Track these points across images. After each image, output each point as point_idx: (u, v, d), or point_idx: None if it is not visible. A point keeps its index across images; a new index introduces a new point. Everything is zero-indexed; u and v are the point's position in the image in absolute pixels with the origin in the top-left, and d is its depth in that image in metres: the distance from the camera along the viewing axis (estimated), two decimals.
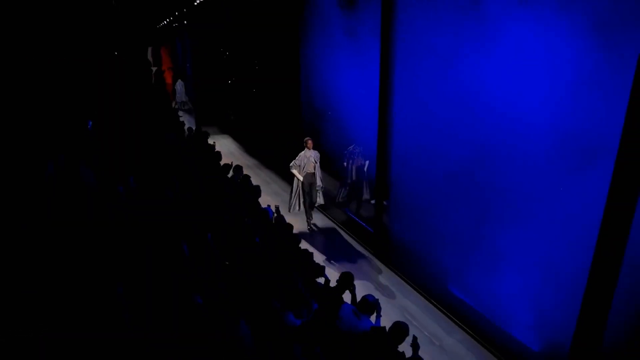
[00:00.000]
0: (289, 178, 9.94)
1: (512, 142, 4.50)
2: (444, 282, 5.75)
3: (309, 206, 7.97)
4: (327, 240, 7.76)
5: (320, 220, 8.46)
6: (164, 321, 3.01)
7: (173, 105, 17.15)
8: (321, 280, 4.72)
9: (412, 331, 3.88)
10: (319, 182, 7.88)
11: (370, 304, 4.03)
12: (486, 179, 4.87)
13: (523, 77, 4.34)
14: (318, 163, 7.81)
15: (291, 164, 7.81)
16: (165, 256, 3.63)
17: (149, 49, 19.87)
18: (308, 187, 7.86)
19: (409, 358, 3.74)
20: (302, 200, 7.89)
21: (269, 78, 10.80)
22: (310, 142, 7.73)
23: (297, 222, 7.60)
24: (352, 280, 4.43)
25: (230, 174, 6.98)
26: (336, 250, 7.32)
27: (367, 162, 7.68)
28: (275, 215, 6.05)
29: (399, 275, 6.53)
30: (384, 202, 6.84)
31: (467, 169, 5.10)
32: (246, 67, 12.16)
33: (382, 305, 4.24)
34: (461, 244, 5.37)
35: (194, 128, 10.64)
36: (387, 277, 6.51)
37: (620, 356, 3.92)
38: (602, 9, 3.68)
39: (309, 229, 8.11)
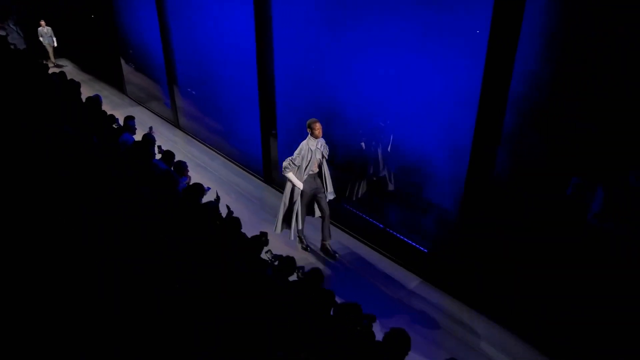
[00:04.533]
0: (117, 85, 12.83)
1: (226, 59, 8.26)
2: (222, 136, 9.40)
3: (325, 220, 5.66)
4: None
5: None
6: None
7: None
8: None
9: (187, 160, 6.72)
10: (330, 188, 5.55)
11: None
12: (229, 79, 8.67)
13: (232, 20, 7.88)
14: (326, 158, 5.46)
15: (285, 164, 5.36)
16: None
17: None
18: (310, 197, 5.47)
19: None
20: (300, 216, 5.47)
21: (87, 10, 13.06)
22: (318, 125, 5.22)
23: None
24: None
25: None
26: None
27: (391, 138, 5.41)
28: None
29: (188, 134, 10.32)
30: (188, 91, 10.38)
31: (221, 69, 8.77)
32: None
33: (174, 150, 6.41)
34: (229, 112, 8.93)
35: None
36: (179, 135, 10.23)
37: None
38: None
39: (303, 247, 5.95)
